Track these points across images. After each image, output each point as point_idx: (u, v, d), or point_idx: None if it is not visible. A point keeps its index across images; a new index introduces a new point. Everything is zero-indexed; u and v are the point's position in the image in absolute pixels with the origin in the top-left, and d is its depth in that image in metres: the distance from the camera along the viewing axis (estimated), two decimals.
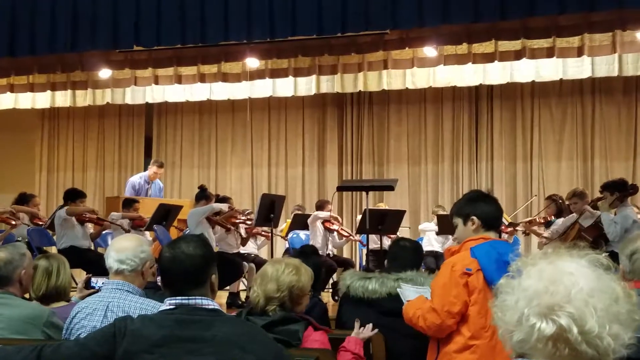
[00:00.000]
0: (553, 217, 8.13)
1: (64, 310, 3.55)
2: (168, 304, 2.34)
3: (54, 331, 3.33)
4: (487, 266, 3.17)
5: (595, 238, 6.89)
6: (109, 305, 3.05)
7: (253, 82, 10.08)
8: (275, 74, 9.73)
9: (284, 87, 10.37)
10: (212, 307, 2.36)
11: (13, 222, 8.04)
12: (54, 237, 8.24)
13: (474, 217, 3.35)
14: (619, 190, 6.79)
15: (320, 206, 9.08)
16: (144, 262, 3.24)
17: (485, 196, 3.50)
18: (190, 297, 2.33)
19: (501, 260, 3.16)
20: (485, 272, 3.18)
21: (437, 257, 9.24)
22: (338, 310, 4.25)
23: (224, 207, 8.18)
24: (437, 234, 9.30)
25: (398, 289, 3.74)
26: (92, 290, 4.03)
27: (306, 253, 4.31)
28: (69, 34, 7.56)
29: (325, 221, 8.95)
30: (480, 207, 3.37)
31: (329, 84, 10.26)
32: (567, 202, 7.97)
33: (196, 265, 2.38)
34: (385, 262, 4.40)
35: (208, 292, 2.41)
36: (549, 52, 8.29)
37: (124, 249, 3.21)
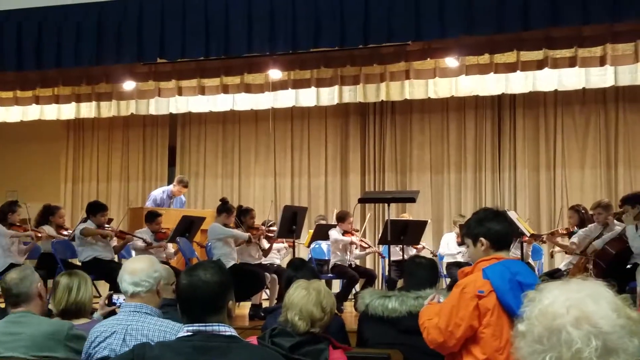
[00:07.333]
0: (576, 228, 8.07)
1: (86, 328, 3.60)
2: (185, 330, 2.38)
3: (76, 343, 3.37)
4: (501, 287, 3.15)
5: (619, 251, 6.84)
6: (127, 329, 3.09)
7: (276, 92, 10.13)
8: (298, 84, 9.76)
9: (307, 97, 10.40)
10: (230, 333, 2.38)
11: (39, 235, 8.13)
12: None
13: (483, 238, 3.33)
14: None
15: (341, 218, 9.08)
16: (158, 281, 3.29)
17: (494, 215, 3.45)
18: (207, 324, 2.36)
19: (514, 280, 3.14)
20: (499, 293, 3.15)
21: (461, 266, 9.21)
22: (358, 328, 4.26)
23: (244, 237, 8.27)
24: (460, 244, 9.26)
25: None
26: (114, 307, 4.10)
27: (296, 266, 4.35)
28: (94, 47, 7.64)
29: (345, 232, 8.96)
30: (488, 227, 3.34)
31: (352, 94, 10.27)
32: (590, 213, 7.93)
33: (213, 292, 2.41)
34: (402, 280, 4.42)
35: (225, 318, 2.44)
36: (572, 62, 8.23)
37: (137, 270, 3.26)
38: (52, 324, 3.48)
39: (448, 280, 9.22)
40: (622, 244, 6.88)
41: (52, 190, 12.31)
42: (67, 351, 3.35)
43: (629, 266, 6.77)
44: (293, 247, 8.44)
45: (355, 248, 9.16)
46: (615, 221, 7.41)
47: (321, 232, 9.12)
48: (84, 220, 8.38)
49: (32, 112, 11.05)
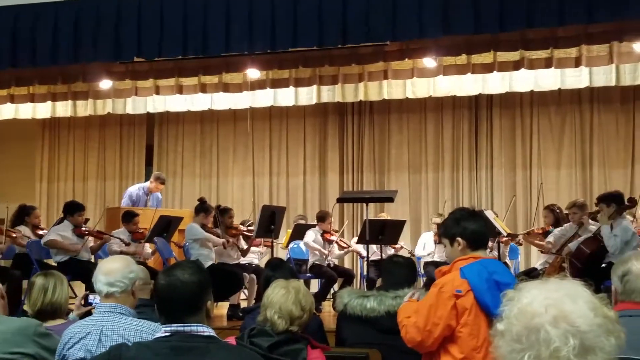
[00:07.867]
0: (551, 227, 8.15)
1: (62, 329, 3.57)
2: (163, 330, 2.36)
3: (46, 340, 3.34)
4: (478, 286, 3.18)
5: (594, 251, 6.92)
6: (103, 329, 3.06)
7: (254, 92, 10.11)
8: (276, 84, 9.76)
9: (285, 96, 10.40)
10: (208, 333, 2.37)
11: (14, 235, 8.04)
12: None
13: (459, 238, 3.35)
14: (615, 203, 6.82)
15: (322, 217, 9.09)
16: (133, 281, 3.27)
17: (470, 214, 3.48)
18: (186, 324, 2.35)
19: (492, 279, 3.17)
20: (476, 292, 3.18)
21: (438, 265, 9.24)
22: (337, 328, 4.27)
23: (219, 242, 8.27)
24: (437, 243, 9.30)
25: None
26: (90, 307, 4.07)
27: (275, 265, 4.39)
28: (70, 45, 7.55)
29: (324, 232, 8.97)
30: (464, 227, 3.36)
31: (330, 94, 10.30)
32: (566, 212, 8.00)
33: (192, 292, 2.39)
34: (380, 280, 4.43)
35: (204, 318, 2.42)
36: (547, 63, 8.34)
37: (112, 271, 3.24)
38: (20, 321, 3.45)
39: (425, 279, 9.26)
40: (597, 243, 6.96)
41: (27, 189, 12.15)
42: (37, 347, 3.32)
43: (604, 265, 6.85)
44: (272, 247, 8.43)
45: (330, 245, 9.15)
46: (590, 221, 7.49)
47: (300, 232, 9.11)
48: (61, 220, 8.29)
49: (6, 111, 10.92)
